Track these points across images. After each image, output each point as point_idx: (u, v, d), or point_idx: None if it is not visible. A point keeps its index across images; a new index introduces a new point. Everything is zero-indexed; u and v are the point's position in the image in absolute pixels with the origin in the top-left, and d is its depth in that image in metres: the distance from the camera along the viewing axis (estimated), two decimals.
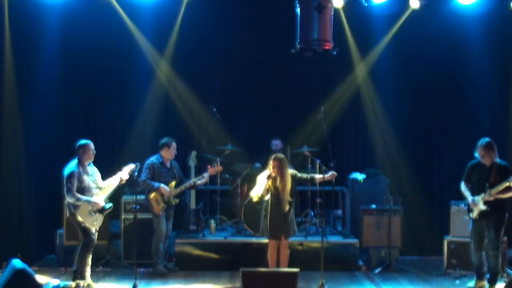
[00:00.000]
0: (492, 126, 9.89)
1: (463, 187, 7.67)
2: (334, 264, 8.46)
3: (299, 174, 7.74)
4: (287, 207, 7.55)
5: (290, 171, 7.64)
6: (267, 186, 7.48)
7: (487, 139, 7.49)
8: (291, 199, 7.57)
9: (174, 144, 8.41)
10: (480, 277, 7.61)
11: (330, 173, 7.78)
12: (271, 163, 7.52)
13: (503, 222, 7.43)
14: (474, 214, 7.50)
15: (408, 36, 9.91)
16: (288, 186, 7.52)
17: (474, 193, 7.51)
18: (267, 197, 7.51)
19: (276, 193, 7.52)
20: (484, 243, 7.56)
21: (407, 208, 9.36)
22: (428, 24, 9.80)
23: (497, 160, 7.46)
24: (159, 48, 9.94)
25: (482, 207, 7.38)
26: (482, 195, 7.37)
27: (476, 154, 7.54)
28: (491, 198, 7.32)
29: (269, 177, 7.47)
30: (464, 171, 7.74)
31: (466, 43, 9.91)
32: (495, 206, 7.36)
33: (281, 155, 7.62)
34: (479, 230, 7.55)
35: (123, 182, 7.80)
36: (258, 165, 9.53)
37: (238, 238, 8.95)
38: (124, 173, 7.70)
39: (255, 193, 7.57)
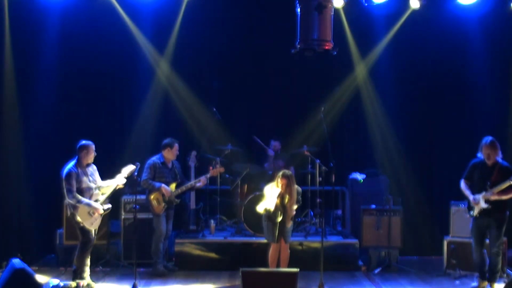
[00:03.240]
0: (492, 126, 9.88)
1: (463, 185, 7.69)
2: (334, 264, 8.46)
3: (300, 196, 7.77)
4: (290, 223, 7.66)
5: (296, 187, 7.68)
6: (277, 204, 7.54)
7: (491, 137, 7.51)
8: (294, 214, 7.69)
9: (176, 145, 8.41)
10: (482, 277, 7.61)
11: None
12: (279, 181, 7.55)
13: (504, 220, 7.46)
14: (475, 212, 7.52)
15: (408, 36, 9.92)
16: (294, 202, 7.58)
17: (474, 191, 7.53)
18: (280, 218, 7.54)
19: (282, 209, 7.56)
20: (485, 241, 7.58)
21: (407, 208, 9.38)
22: (428, 24, 9.81)
23: (499, 159, 7.48)
24: (159, 48, 9.95)
25: (483, 205, 7.40)
26: (483, 193, 7.40)
27: (479, 154, 7.55)
28: (492, 197, 7.34)
29: (279, 195, 7.52)
30: (465, 169, 7.75)
31: (466, 43, 9.91)
32: (496, 205, 7.38)
33: (288, 172, 7.64)
34: (480, 228, 7.56)
35: (121, 187, 7.81)
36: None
37: (238, 238, 8.95)
38: (121, 179, 7.71)
39: (263, 208, 7.61)
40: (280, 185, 7.56)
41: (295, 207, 7.66)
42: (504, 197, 7.37)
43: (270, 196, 7.58)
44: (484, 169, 7.50)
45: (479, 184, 7.50)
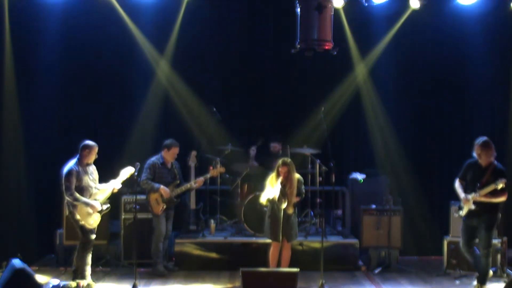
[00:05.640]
0: (492, 126, 9.90)
1: (457, 184, 7.67)
2: (334, 264, 8.46)
3: (302, 186, 7.76)
4: (291, 210, 7.60)
5: (296, 175, 7.66)
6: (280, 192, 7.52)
7: (484, 138, 7.49)
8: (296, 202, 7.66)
9: (174, 148, 8.37)
10: None
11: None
12: (280, 169, 7.54)
13: (494, 222, 7.41)
14: (464, 212, 7.50)
15: (408, 36, 9.93)
16: (295, 190, 7.56)
17: (467, 191, 7.50)
18: (284, 205, 7.52)
19: (284, 197, 7.54)
20: (473, 241, 7.54)
21: (407, 208, 9.37)
22: (428, 24, 9.81)
23: (495, 161, 7.44)
24: (159, 48, 9.95)
25: (471, 206, 7.37)
26: (473, 194, 7.36)
27: (474, 154, 7.54)
28: (479, 199, 7.30)
29: (281, 183, 7.50)
30: (460, 168, 7.74)
31: (466, 43, 9.91)
32: (486, 206, 7.32)
33: (288, 160, 7.63)
34: (467, 228, 7.54)
35: (115, 191, 7.81)
36: (255, 163, 9.54)
37: (238, 238, 8.95)
38: (117, 182, 7.70)
39: (266, 198, 7.59)
40: (281, 174, 7.52)
41: (298, 198, 7.65)
42: (494, 200, 7.30)
43: (272, 186, 7.55)
44: (478, 169, 7.46)
45: (471, 184, 7.46)
